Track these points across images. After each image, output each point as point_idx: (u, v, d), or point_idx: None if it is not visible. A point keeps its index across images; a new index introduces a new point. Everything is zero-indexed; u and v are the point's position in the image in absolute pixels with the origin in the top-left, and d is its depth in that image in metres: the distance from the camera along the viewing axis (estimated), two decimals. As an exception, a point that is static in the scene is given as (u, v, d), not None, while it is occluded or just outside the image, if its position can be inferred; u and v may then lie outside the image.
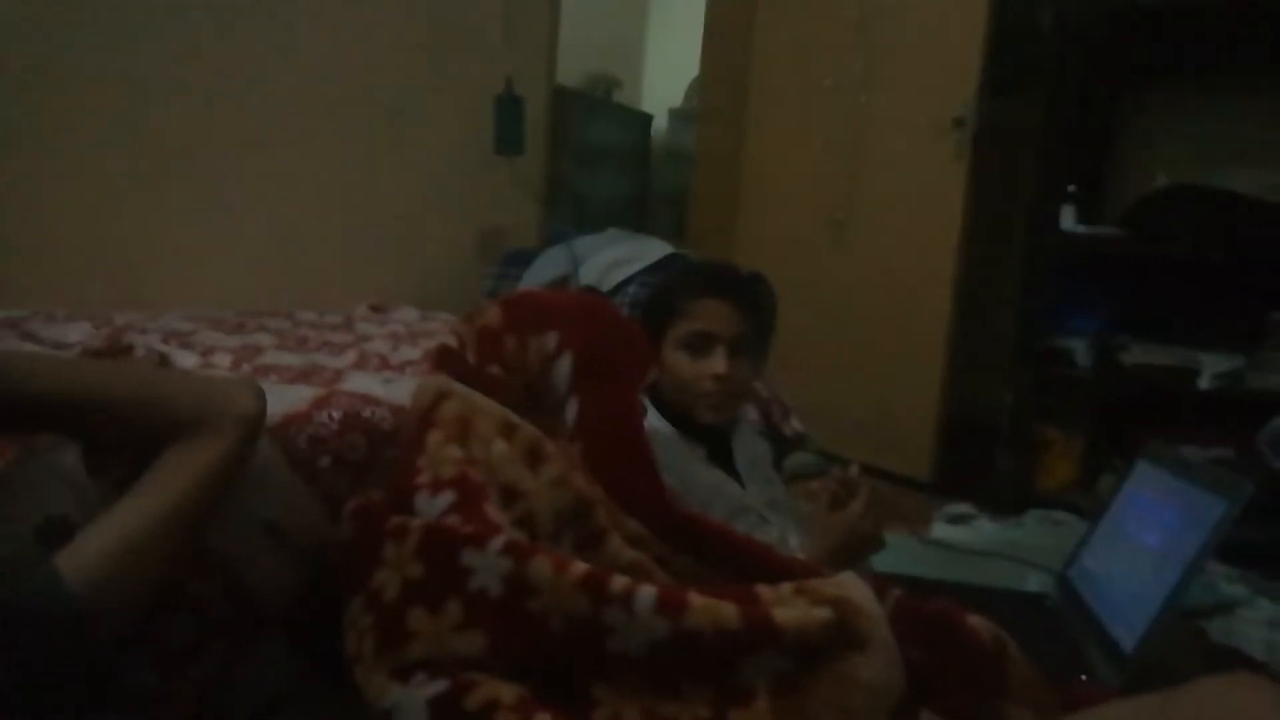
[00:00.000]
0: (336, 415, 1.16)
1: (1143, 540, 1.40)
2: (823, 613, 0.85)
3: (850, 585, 0.92)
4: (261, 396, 0.98)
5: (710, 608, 0.83)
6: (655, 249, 2.25)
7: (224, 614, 1.03)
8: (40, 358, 1.14)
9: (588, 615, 0.83)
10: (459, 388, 1.05)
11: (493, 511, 0.92)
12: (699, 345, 1.39)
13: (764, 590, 0.90)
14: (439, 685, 0.79)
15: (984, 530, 2.05)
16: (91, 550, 0.78)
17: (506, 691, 0.79)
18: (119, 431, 0.91)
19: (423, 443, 0.99)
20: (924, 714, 0.86)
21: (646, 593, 0.83)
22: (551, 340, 1.11)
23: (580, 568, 0.85)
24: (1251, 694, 0.69)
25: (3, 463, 0.87)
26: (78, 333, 1.48)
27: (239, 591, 1.04)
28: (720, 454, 1.46)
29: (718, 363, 1.37)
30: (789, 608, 0.86)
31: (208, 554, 1.01)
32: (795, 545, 1.43)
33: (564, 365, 1.10)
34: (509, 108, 2.92)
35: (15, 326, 1.49)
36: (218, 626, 1.03)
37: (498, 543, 0.85)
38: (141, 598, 0.83)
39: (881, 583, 0.98)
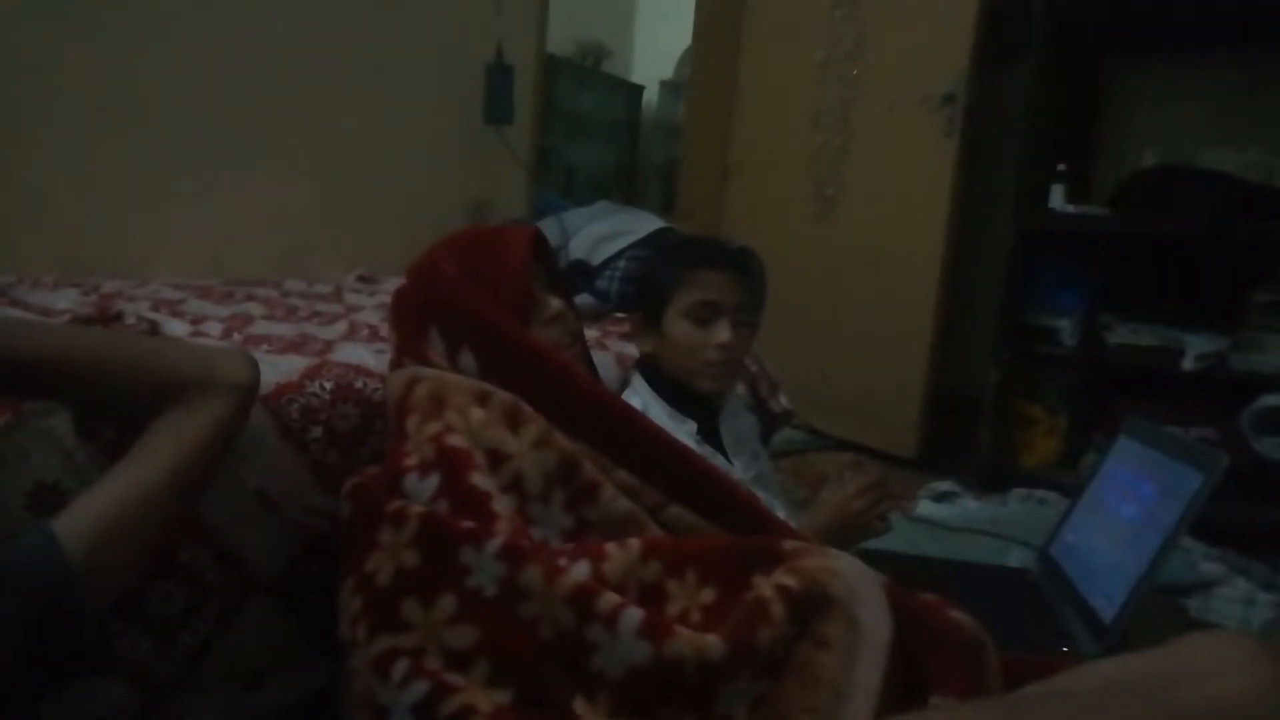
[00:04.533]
0: (328, 385, 1.16)
1: (1121, 513, 1.42)
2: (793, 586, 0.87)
3: (839, 559, 0.93)
4: (255, 366, 0.98)
5: (693, 639, 0.83)
6: (646, 223, 2.24)
7: (215, 581, 1.04)
8: (31, 323, 1.13)
9: (573, 629, 0.83)
10: (428, 371, 1.05)
11: (480, 479, 0.92)
12: (703, 315, 1.39)
13: (758, 578, 0.91)
14: (420, 687, 0.79)
15: (968, 508, 2.07)
16: (88, 514, 0.78)
17: (484, 699, 0.79)
18: (113, 397, 0.91)
19: (403, 429, 0.99)
20: (934, 698, 0.87)
21: (631, 615, 0.83)
22: (439, 342, 1.10)
23: (571, 581, 0.84)
24: (1227, 647, 0.69)
25: (-5, 429, 0.86)
26: (66, 300, 1.47)
27: (230, 559, 1.05)
28: (708, 429, 1.47)
29: (722, 331, 1.38)
30: (766, 588, 0.88)
31: (200, 522, 1.01)
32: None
33: (467, 361, 1.08)
34: (499, 76, 2.89)
35: (2, 294, 1.48)
36: (209, 593, 1.04)
37: (494, 545, 0.85)
38: (136, 563, 0.84)
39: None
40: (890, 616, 0.90)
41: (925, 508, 2.05)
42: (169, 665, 1.01)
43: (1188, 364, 2.31)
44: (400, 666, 0.80)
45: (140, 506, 0.82)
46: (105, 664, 0.94)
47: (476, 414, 0.99)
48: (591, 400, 1.07)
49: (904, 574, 1.10)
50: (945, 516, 1.95)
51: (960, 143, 2.74)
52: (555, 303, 1.21)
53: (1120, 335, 2.46)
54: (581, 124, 4.09)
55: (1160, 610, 1.42)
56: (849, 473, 1.33)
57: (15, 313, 1.32)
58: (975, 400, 2.67)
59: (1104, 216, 2.48)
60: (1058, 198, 2.54)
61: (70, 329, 1.10)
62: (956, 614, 0.96)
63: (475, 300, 1.10)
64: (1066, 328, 2.55)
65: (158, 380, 0.91)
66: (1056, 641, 1.30)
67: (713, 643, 0.83)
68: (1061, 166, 2.55)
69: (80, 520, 0.77)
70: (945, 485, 2.24)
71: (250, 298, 1.82)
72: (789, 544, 0.96)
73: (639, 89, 4.58)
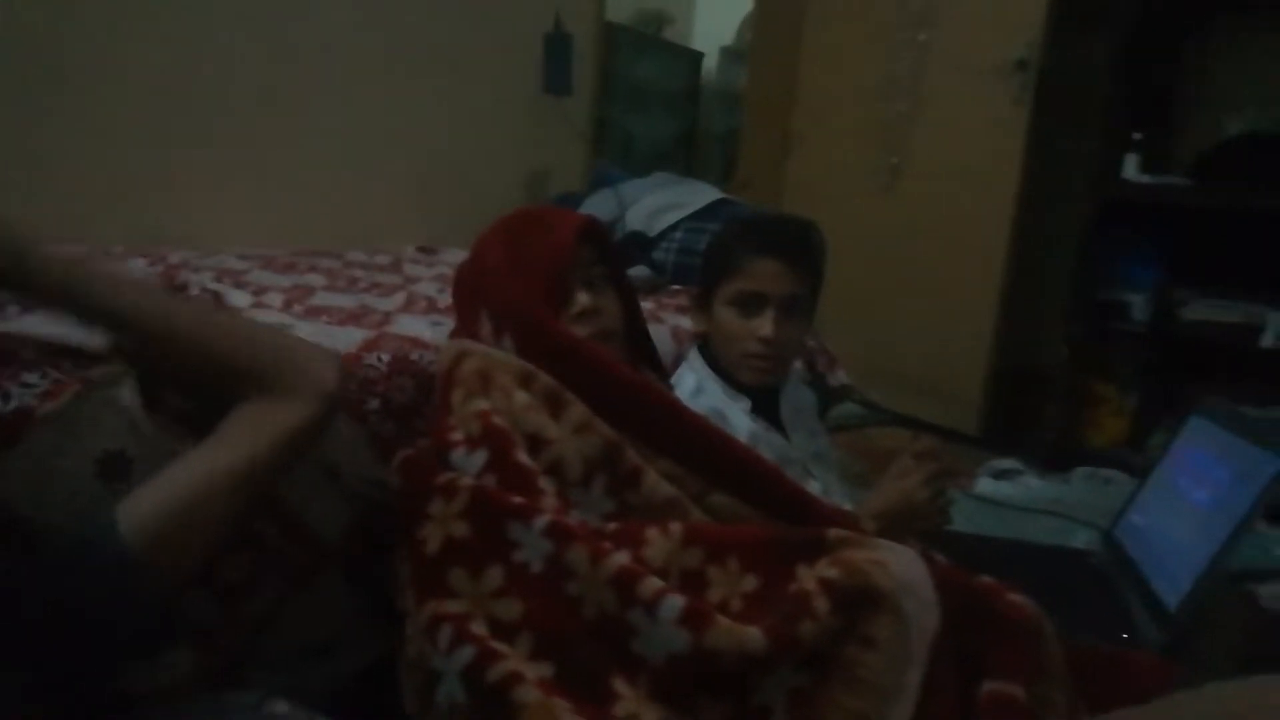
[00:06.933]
0: (385, 358, 1.18)
1: (1192, 497, 1.38)
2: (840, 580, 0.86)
3: (886, 549, 0.92)
4: (342, 371, 0.97)
5: (733, 630, 0.82)
6: (703, 194, 2.22)
7: (282, 550, 1.05)
8: (130, 280, 1.11)
9: (615, 612, 0.83)
10: (478, 346, 1.06)
11: (523, 458, 0.93)
12: (749, 304, 1.35)
13: (801, 568, 0.90)
14: (466, 652, 0.80)
15: (1030, 486, 2.02)
16: (150, 504, 0.77)
17: (530, 670, 0.80)
18: (200, 371, 0.91)
19: (448, 403, 1.01)
20: (986, 684, 0.86)
21: (673, 602, 0.83)
22: (487, 323, 1.10)
23: (615, 563, 0.85)
24: None
25: (65, 398, 0.88)
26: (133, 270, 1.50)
27: (298, 530, 1.07)
28: (766, 405, 1.45)
29: (765, 324, 1.33)
30: (809, 580, 0.87)
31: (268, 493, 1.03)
32: (839, 499, 1.42)
33: (508, 346, 1.07)
34: (558, 46, 2.88)
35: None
36: (275, 562, 1.05)
37: (542, 522, 0.86)
38: (197, 554, 0.82)
39: (925, 551, 0.97)
40: (939, 606, 0.88)
41: (986, 485, 2.01)
42: (235, 633, 1.03)
43: (1268, 341, 2.23)
44: (446, 631, 0.82)
45: (206, 501, 0.81)
46: (171, 631, 0.96)
47: (520, 397, 0.99)
48: (629, 390, 1.05)
49: (964, 554, 1.09)
50: (1007, 495, 1.91)
51: (1032, 111, 2.66)
52: (583, 298, 1.15)
53: (1196, 311, 2.38)
54: (641, 93, 4.04)
55: (1229, 595, 1.38)
56: (918, 461, 1.25)
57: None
58: (1041, 376, 2.60)
59: (1182, 187, 2.39)
60: (1131, 168, 2.45)
61: (163, 293, 1.09)
62: (1015, 597, 0.95)
63: (513, 288, 1.09)
64: (1139, 303, 2.47)
65: (248, 366, 0.90)
66: (1119, 628, 1.27)
67: (753, 635, 0.82)
68: (1138, 135, 2.45)
69: (142, 510, 0.77)
70: (1007, 463, 2.19)
71: (312, 268, 1.85)
72: (834, 533, 0.94)
73: (699, 56, 4.51)
